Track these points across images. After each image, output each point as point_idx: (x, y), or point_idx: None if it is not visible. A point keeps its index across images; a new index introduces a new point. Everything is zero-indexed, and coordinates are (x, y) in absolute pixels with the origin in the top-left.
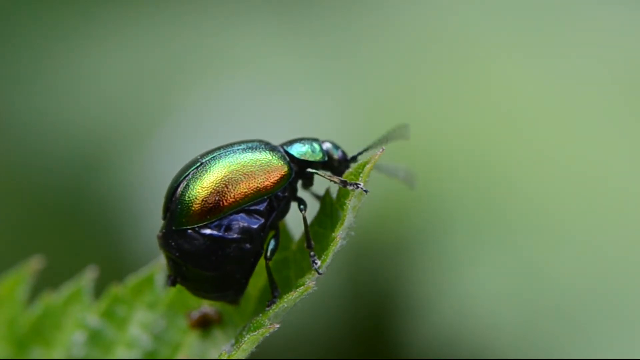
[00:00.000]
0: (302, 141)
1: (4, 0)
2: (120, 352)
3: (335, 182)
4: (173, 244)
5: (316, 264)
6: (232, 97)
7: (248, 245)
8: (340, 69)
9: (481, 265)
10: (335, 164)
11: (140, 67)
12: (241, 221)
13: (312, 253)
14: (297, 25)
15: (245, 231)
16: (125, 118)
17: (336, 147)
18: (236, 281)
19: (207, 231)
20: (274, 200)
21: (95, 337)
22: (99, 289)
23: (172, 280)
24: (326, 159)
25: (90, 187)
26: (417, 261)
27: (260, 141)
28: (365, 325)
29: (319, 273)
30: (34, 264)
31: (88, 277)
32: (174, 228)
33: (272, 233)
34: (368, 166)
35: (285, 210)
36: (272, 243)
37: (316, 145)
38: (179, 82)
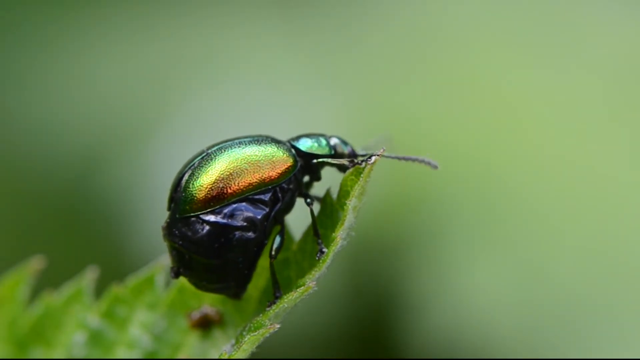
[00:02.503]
0: (309, 136)
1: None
2: (121, 352)
3: (345, 165)
4: (177, 232)
5: (323, 252)
6: (231, 96)
7: (251, 234)
8: (341, 68)
9: (480, 266)
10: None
11: (138, 67)
12: (245, 209)
13: (319, 241)
14: (297, 23)
15: (248, 219)
16: (124, 119)
17: (344, 142)
18: (239, 271)
19: (211, 218)
20: (279, 191)
21: (95, 338)
22: (100, 290)
23: (176, 272)
24: (333, 152)
25: (90, 188)
26: (416, 262)
27: (266, 136)
28: (364, 325)
29: (322, 252)
30: (34, 264)
31: (88, 277)
32: (177, 216)
33: (277, 229)
34: (369, 166)
35: (291, 203)
36: (277, 240)
37: (322, 140)
38: (178, 82)
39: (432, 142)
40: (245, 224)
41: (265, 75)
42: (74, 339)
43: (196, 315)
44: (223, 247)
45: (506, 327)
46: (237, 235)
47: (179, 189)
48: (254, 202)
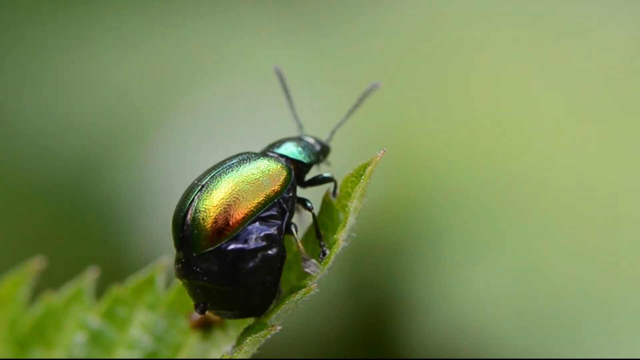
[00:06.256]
0: (290, 143)
1: None
2: (121, 352)
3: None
4: (198, 269)
5: (325, 254)
6: (229, 96)
7: (273, 251)
8: (339, 66)
9: (479, 267)
10: (321, 158)
11: (135, 68)
12: (260, 229)
13: (322, 243)
14: (294, 22)
15: (267, 237)
16: (123, 120)
17: (317, 141)
18: (267, 290)
19: (231, 246)
20: (283, 202)
21: (96, 338)
22: (100, 290)
23: (202, 308)
24: (314, 159)
25: (90, 188)
26: (416, 263)
27: (247, 152)
28: (364, 326)
29: (324, 253)
30: (35, 265)
31: (89, 277)
32: (195, 254)
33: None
34: (369, 168)
35: (293, 210)
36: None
37: (304, 146)
38: (175, 83)
39: (431, 142)
40: (265, 242)
41: (263, 74)
42: (75, 339)
43: (197, 315)
44: (250, 271)
45: (505, 328)
46: (261, 256)
47: (185, 227)
48: (265, 219)
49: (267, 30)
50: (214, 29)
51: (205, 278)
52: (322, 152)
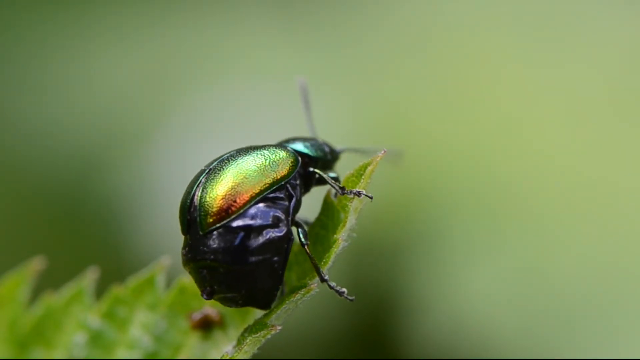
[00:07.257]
0: (298, 139)
1: None
2: (121, 353)
3: (335, 189)
4: (205, 249)
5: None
6: (229, 96)
7: (279, 230)
8: (340, 67)
9: (479, 267)
10: (329, 157)
11: (135, 67)
12: (266, 208)
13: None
14: (294, 22)
15: (273, 217)
16: (124, 120)
17: (326, 144)
18: (275, 272)
19: (238, 223)
20: (290, 188)
21: (96, 338)
22: (100, 290)
23: (209, 292)
24: (320, 154)
25: (90, 188)
26: (416, 263)
27: (255, 144)
28: (365, 325)
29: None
30: (35, 265)
31: (89, 278)
32: (201, 233)
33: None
34: (370, 168)
35: (301, 200)
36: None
37: (312, 142)
38: (175, 83)
39: (431, 142)
40: (271, 221)
41: (263, 74)
42: (75, 339)
43: (197, 316)
44: (257, 248)
45: (505, 328)
46: (267, 234)
47: (192, 209)
48: (272, 200)
49: (267, 30)
50: (214, 29)
51: (212, 256)
52: (330, 153)
